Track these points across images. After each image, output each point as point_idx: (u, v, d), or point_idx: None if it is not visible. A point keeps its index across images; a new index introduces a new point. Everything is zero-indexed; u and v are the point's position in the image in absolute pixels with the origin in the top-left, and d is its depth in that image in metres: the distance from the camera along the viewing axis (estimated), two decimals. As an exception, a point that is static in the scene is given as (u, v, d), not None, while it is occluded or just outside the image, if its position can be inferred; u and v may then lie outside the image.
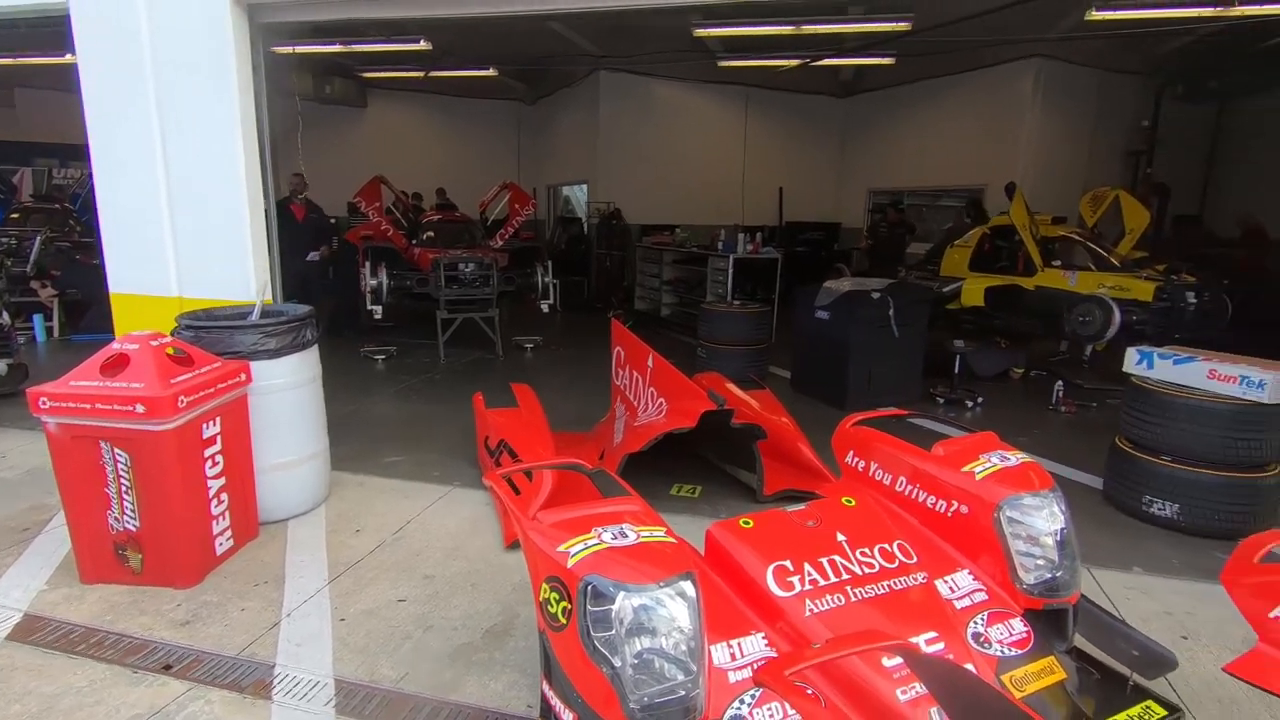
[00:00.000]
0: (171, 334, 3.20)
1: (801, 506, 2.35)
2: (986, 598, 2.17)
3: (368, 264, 7.50)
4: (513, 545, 3.26)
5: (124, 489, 2.82)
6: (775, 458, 3.86)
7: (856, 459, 2.61)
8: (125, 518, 2.86)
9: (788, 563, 2.05)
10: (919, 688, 1.77)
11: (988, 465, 2.26)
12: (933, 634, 1.99)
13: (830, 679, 1.82)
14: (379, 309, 7.46)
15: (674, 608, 1.60)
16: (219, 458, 3.06)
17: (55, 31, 4.14)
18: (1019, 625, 2.12)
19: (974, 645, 2.03)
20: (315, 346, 3.65)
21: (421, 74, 11.24)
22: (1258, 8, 6.09)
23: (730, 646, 1.88)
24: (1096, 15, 6.80)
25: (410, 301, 7.96)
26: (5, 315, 5.79)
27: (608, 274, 11.07)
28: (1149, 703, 2.14)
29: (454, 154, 13.61)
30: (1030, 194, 7.41)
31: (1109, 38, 8.12)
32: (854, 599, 2.02)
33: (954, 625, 2.05)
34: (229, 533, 3.15)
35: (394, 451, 4.55)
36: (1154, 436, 3.62)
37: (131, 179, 3.85)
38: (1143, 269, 6.74)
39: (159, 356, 2.85)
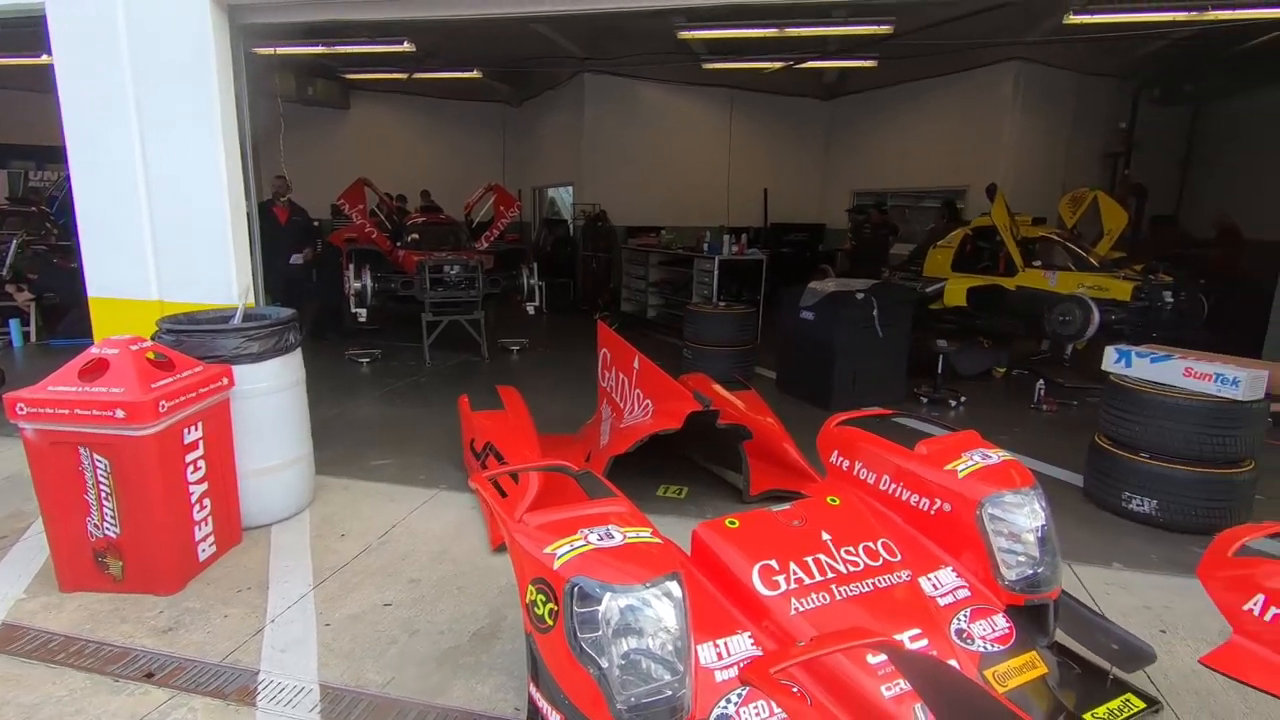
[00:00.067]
0: (152, 338, 3.16)
1: (787, 506, 2.37)
2: (969, 594, 2.20)
3: (352, 266, 7.45)
4: (499, 548, 3.25)
5: (104, 495, 2.79)
6: (761, 458, 3.88)
7: (841, 458, 2.63)
8: (105, 524, 2.82)
9: (773, 562, 2.07)
10: (903, 684, 1.79)
11: (970, 463, 2.29)
12: (916, 631, 2.01)
13: (815, 677, 1.83)
14: (363, 312, 7.41)
15: (660, 608, 1.60)
16: (201, 463, 3.03)
17: (31, 32, 4.08)
18: (1001, 621, 2.15)
19: (957, 641, 2.06)
20: (299, 350, 3.62)
21: (405, 76, 11.19)
22: (1231, 12, 6.21)
23: (717, 646, 1.89)
24: (1075, 19, 6.91)
25: (395, 304, 7.91)
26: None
27: (594, 276, 11.05)
28: (1128, 695, 2.18)
29: (438, 156, 13.54)
30: (1011, 195, 7.50)
31: (1087, 41, 8.24)
32: (839, 597, 2.04)
33: (937, 622, 2.08)
34: (211, 539, 3.12)
35: (379, 455, 4.52)
36: (1132, 434, 3.68)
37: (110, 181, 3.80)
38: (1121, 269, 6.83)
39: (139, 361, 2.82)
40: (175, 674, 2.39)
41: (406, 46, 8.65)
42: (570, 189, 12.36)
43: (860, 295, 5.74)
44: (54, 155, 10.31)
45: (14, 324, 7.66)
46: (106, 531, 2.82)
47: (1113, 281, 6.47)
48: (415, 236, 8.46)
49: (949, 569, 2.26)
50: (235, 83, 3.84)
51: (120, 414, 2.66)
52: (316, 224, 8.08)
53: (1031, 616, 2.18)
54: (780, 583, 2.03)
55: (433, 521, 3.59)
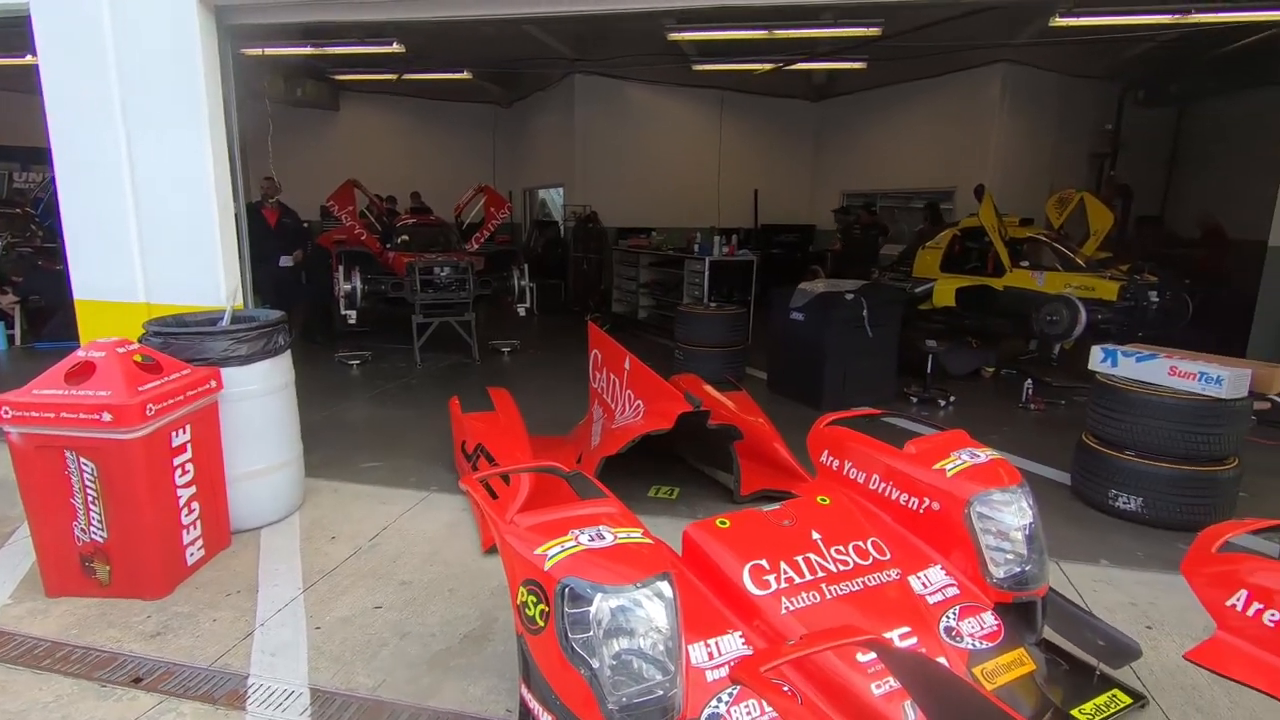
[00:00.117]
0: (139, 341, 3.14)
1: (777, 506, 2.38)
2: (958, 592, 2.22)
3: (341, 268, 7.42)
4: (491, 550, 3.25)
5: (90, 499, 2.76)
6: (752, 458, 3.89)
7: (831, 458, 2.65)
8: (92, 529, 2.80)
9: (764, 561, 2.07)
10: (893, 682, 1.80)
11: (958, 462, 2.31)
12: (906, 629, 2.02)
13: (806, 675, 1.84)
14: (353, 314, 7.38)
15: (651, 608, 1.61)
16: (189, 466, 3.01)
17: (15, 32, 4.05)
18: (990, 619, 2.17)
19: (946, 639, 2.07)
20: (288, 352, 3.60)
21: (395, 77, 11.15)
22: (1213, 15, 6.29)
23: (708, 645, 1.90)
24: (1061, 21, 6.97)
25: (385, 306, 7.89)
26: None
27: (585, 277, 11.05)
28: (1115, 691, 2.21)
29: (428, 157, 13.50)
30: (999, 196, 7.55)
31: (1073, 43, 8.32)
32: (829, 596, 2.05)
33: (927, 620, 2.09)
34: (200, 542, 3.10)
35: (369, 457, 4.51)
36: (1118, 432, 3.71)
37: (96, 182, 3.78)
38: (1107, 269, 6.89)
39: (126, 364, 2.80)
40: (163, 679, 2.37)
41: (396, 47, 8.62)
42: (561, 190, 12.35)
43: (850, 296, 5.77)
44: (39, 156, 10.21)
45: (-2, 327, 7.58)
46: (93, 536, 2.80)
47: (1099, 281, 6.53)
48: (405, 238, 8.44)
49: (938, 567, 2.28)
50: (223, 84, 3.83)
51: (107, 417, 2.64)
52: (305, 225, 8.04)
53: (1020, 614, 2.20)
54: (771, 582, 2.04)
55: (424, 523, 3.58)
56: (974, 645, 2.09)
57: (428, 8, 3.79)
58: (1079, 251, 7.30)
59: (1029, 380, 6.13)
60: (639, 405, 3.76)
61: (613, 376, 4.06)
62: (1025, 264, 7.12)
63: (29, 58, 4.43)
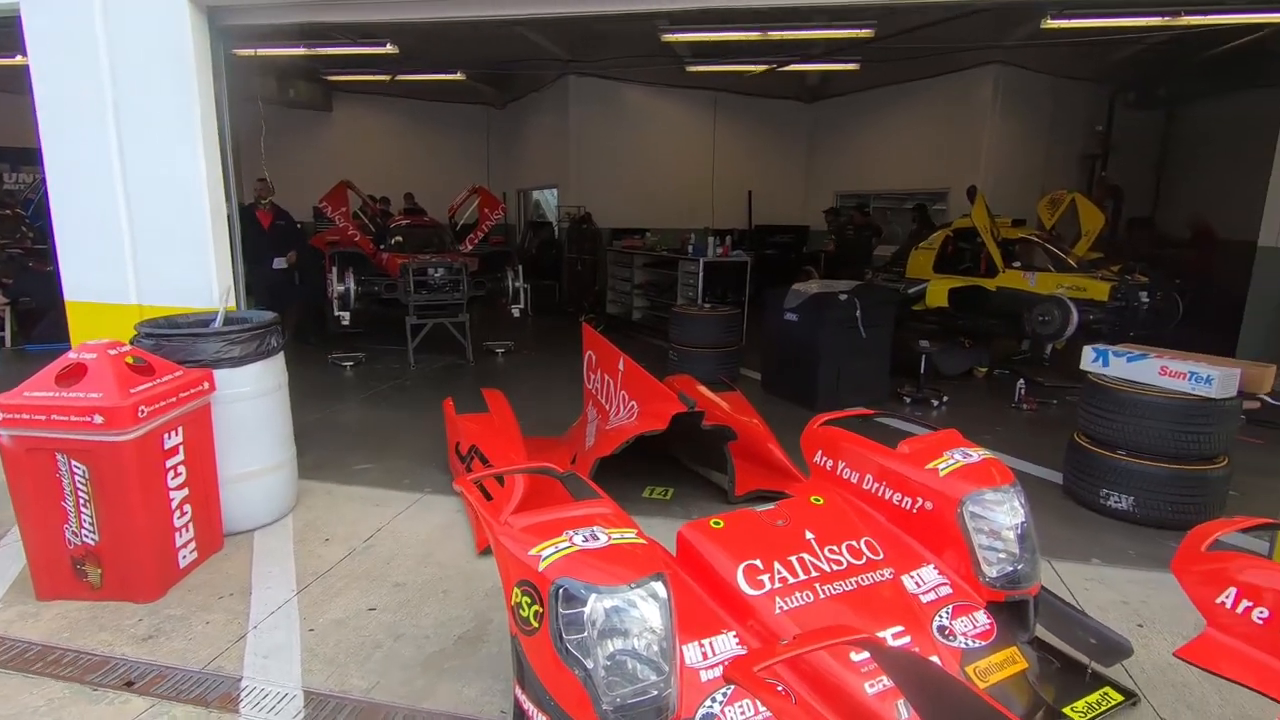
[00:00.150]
0: (131, 342, 3.12)
1: (771, 506, 2.39)
2: (951, 591, 2.23)
3: (334, 269, 7.40)
4: (485, 551, 3.24)
5: (82, 502, 2.75)
6: (746, 458, 3.90)
7: (825, 458, 2.66)
8: (84, 532, 2.78)
9: (758, 561, 2.08)
10: (886, 681, 1.81)
11: (951, 462, 2.32)
12: (899, 628, 2.03)
13: (799, 674, 1.85)
14: (346, 315, 7.36)
15: (645, 609, 1.61)
16: (181, 468, 3.00)
17: (5, 32, 4.03)
18: (982, 617, 2.18)
19: (939, 638, 2.08)
20: (280, 354, 3.59)
21: (388, 77, 11.12)
22: (1202, 18, 6.34)
23: (702, 646, 1.90)
24: (1052, 23, 7.01)
25: (379, 307, 7.86)
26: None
27: (579, 278, 11.04)
28: (1106, 689, 2.22)
29: (422, 158, 13.47)
30: (991, 197, 7.59)
31: (1064, 45, 8.38)
32: (823, 596, 2.06)
33: (920, 619, 2.10)
34: (193, 545, 3.09)
35: (363, 459, 4.50)
36: (1110, 432, 3.73)
37: (87, 183, 3.75)
38: (1098, 270, 6.93)
39: (118, 365, 2.78)
40: (156, 682, 2.36)
41: (389, 48, 8.60)
42: (555, 191, 12.35)
43: (844, 296, 5.78)
44: (29, 157, 10.15)
45: (-12, 329, 7.53)
46: (85, 539, 2.79)
47: (1091, 282, 6.57)
48: (399, 239, 8.42)
49: (931, 566, 2.29)
50: (215, 84, 3.81)
51: (98, 419, 2.62)
52: (299, 226, 8.01)
53: (1012, 613, 2.21)
54: (765, 582, 2.04)
55: (417, 525, 3.58)
56: (967, 644, 2.10)
57: (420, 9, 3.78)
58: (1070, 252, 7.34)
59: (1021, 380, 6.16)
60: (633, 406, 3.76)
61: (607, 378, 4.06)
62: (1017, 264, 7.16)
63: (19, 58, 4.39)
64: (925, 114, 10.78)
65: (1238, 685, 1.81)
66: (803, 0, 4.14)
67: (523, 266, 8.38)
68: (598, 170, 11.40)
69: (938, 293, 7.56)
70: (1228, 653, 1.83)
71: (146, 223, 3.78)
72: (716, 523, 2.21)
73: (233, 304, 3.85)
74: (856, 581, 2.13)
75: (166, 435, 2.91)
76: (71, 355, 2.80)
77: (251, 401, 3.41)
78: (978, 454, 2.36)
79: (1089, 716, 2.09)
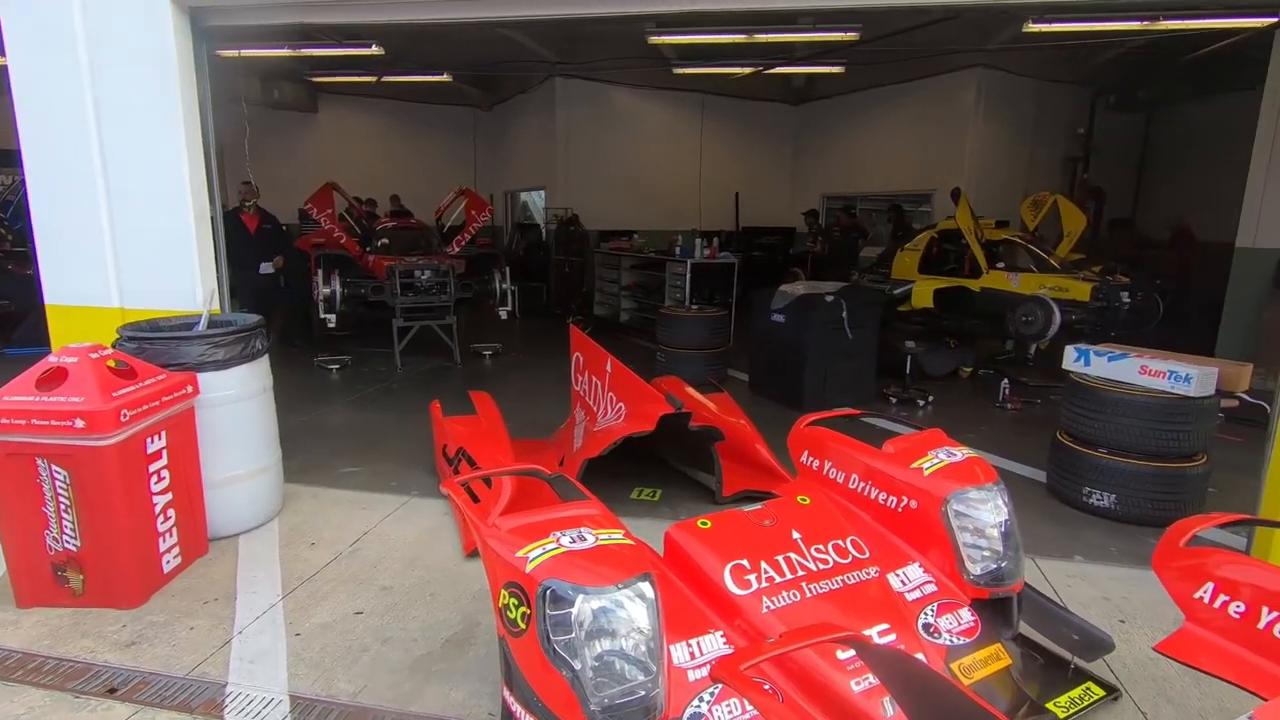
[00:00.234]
0: (113, 346, 3.09)
1: (758, 506, 2.40)
2: (936, 589, 2.25)
3: (320, 272, 7.35)
4: (473, 554, 3.23)
5: (63, 508, 2.72)
6: (733, 459, 3.92)
7: (811, 458, 2.67)
8: (65, 538, 2.75)
9: (745, 561, 2.09)
10: (872, 679, 1.82)
11: (935, 461, 2.35)
12: (885, 626, 2.05)
13: (786, 673, 1.86)
14: (332, 318, 7.31)
15: (633, 609, 1.62)
16: (165, 473, 2.97)
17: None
18: (967, 615, 2.20)
19: (924, 635, 2.10)
20: (265, 357, 3.57)
21: (374, 79, 11.07)
22: (1180, 23, 6.43)
23: (689, 645, 1.91)
24: (1034, 27, 7.09)
25: (365, 310, 7.82)
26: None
27: (566, 280, 11.04)
28: (1089, 684, 2.25)
29: (409, 160, 13.42)
30: (975, 199, 7.67)
31: (1046, 49, 8.48)
32: (809, 595, 2.07)
33: (905, 617, 2.12)
34: (176, 550, 3.06)
35: (350, 462, 4.47)
36: (1092, 430, 3.78)
37: (68, 185, 3.71)
38: (1080, 270, 7.02)
39: (99, 369, 2.75)
40: (139, 688, 2.34)
41: (375, 50, 8.56)
42: (542, 193, 12.33)
43: (830, 298, 5.82)
44: (8, 159, 9.99)
45: (-34, 333, 7.41)
46: (66, 545, 2.75)
47: (1073, 283, 6.65)
48: (385, 241, 8.38)
49: (916, 565, 2.31)
50: (198, 85, 3.78)
51: (80, 424, 2.59)
52: (285, 229, 7.95)
53: (996, 609, 2.24)
54: (752, 581, 2.05)
55: (405, 528, 3.56)
56: (951, 641, 2.13)
57: (406, 11, 3.77)
58: (1053, 253, 7.43)
59: (1005, 380, 6.22)
60: (621, 408, 3.77)
61: (594, 379, 4.07)
62: (1001, 265, 7.24)
63: (-2, 58, 4.34)
64: (910, 117, 10.88)
65: (1216, 679, 1.85)
66: (788, 3, 4.16)
67: (510, 268, 8.36)
68: (585, 172, 11.40)
69: (923, 294, 7.63)
70: (1206, 647, 1.86)
71: (129, 225, 3.74)
72: (704, 523, 2.22)
73: (217, 307, 3.82)
74: (842, 580, 2.15)
75: (149, 439, 2.88)
76: (52, 359, 2.76)
77: (236, 405, 3.38)
78: (962, 453, 2.39)
79: (1072, 711, 2.11)
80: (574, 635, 1.56)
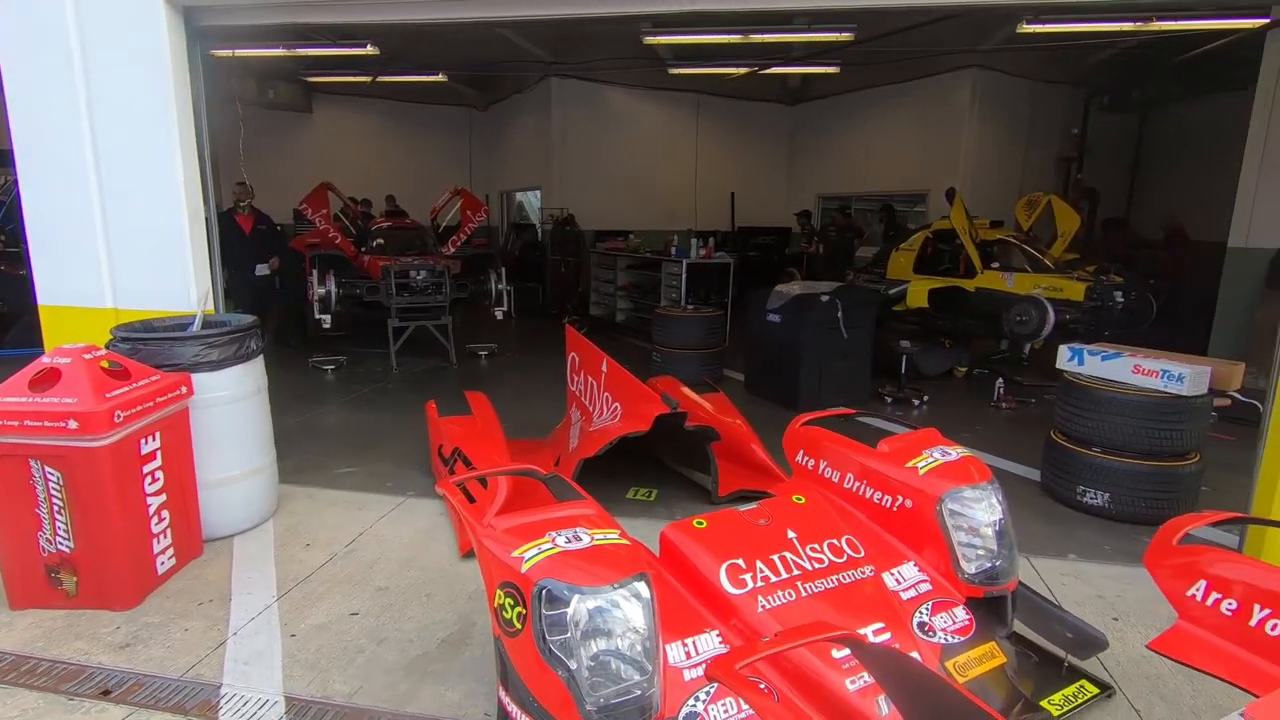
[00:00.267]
0: (107, 347, 3.08)
1: (753, 506, 2.40)
2: (931, 588, 2.26)
3: (315, 272, 7.33)
4: (468, 554, 3.23)
5: (56, 509, 2.70)
6: (729, 459, 3.92)
7: (806, 458, 2.68)
8: (58, 539, 2.73)
9: (740, 561, 2.10)
10: (867, 678, 1.83)
11: (930, 460, 2.36)
12: (880, 624, 2.06)
13: (781, 671, 1.87)
14: (327, 318, 7.30)
15: (629, 609, 1.62)
16: (159, 474, 2.96)
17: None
18: (961, 613, 2.21)
19: (919, 634, 2.11)
20: (260, 357, 3.56)
21: (369, 79, 11.04)
22: (1173, 24, 6.47)
23: (685, 645, 1.91)
24: (1028, 28, 7.12)
25: (360, 310, 7.80)
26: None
27: (562, 280, 11.03)
28: (1083, 682, 2.26)
29: (404, 160, 13.39)
30: (969, 199, 7.69)
31: (1040, 50, 8.51)
32: (804, 594, 2.08)
33: (900, 616, 2.13)
34: (171, 551, 3.05)
35: (345, 463, 4.46)
36: (1085, 429, 3.80)
37: (61, 185, 3.70)
38: (1074, 270, 7.05)
39: (93, 370, 2.74)
40: (133, 690, 2.33)
41: (370, 49, 8.55)
42: (538, 193, 12.33)
43: (825, 298, 5.83)
44: (1, 159, 9.97)
45: (-41, 334, 7.36)
46: (60, 546, 2.74)
47: (1067, 282, 6.67)
48: (381, 241, 8.36)
49: (911, 564, 2.32)
50: (192, 85, 3.77)
51: (73, 425, 2.58)
52: (279, 229, 7.93)
53: (990, 608, 2.25)
54: (747, 581, 2.06)
55: (400, 529, 3.56)
56: (946, 639, 2.13)
57: (399, 11, 3.76)
58: (1047, 253, 7.46)
59: (1000, 379, 6.24)
60: (616, 408, 3.77)
61: (590, 379, 4.07)
62: (995, 265, 7.26)
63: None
64: (905, 117, 10.91)
65: (1209, 676, 1.86)
66: (784, 4, 4.16)
67: (506, 269, 8.36)
68: (581, 172, 11.40)
69: (918, 294, 7.65)
70: (1199, 644, 1.87)
71: (122, 225, 3.73)
72: (699, 523, 2.22)
73: (211, 307, 3.81)
74: (838, 579, 2.15)
75: (143, 440, 2.87)
76: (45, 360, 2.75)
77: (231, 405, 3.37)
78: (956, 452, 2.40)
79: (1066, 709, 2.12)
80: (569, 635, 1.56)
